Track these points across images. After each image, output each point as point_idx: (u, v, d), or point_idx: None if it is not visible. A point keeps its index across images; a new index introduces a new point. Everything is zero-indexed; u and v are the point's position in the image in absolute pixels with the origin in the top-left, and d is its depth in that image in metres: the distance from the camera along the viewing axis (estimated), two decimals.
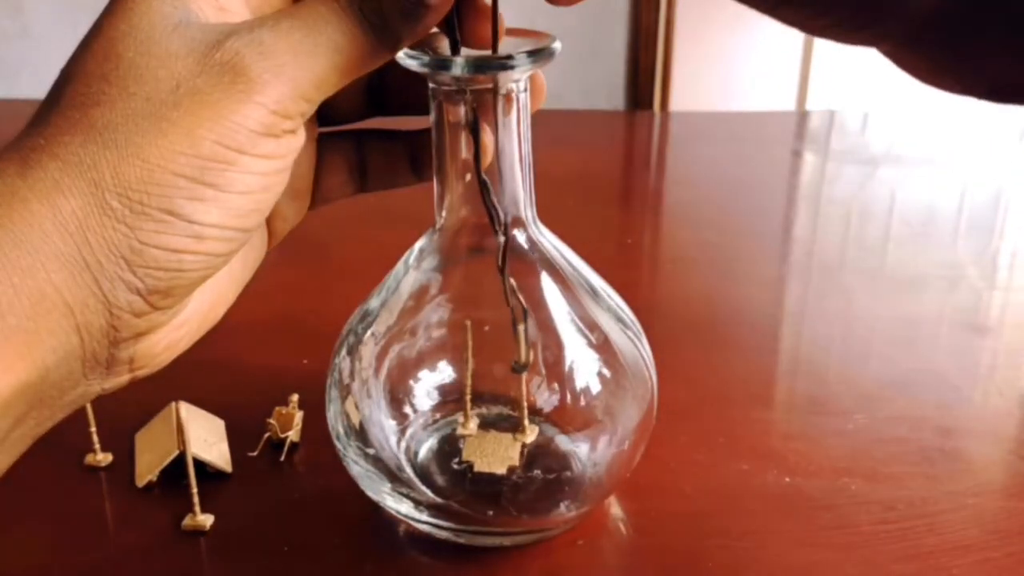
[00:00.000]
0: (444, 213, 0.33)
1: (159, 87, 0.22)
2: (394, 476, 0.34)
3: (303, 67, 0.23)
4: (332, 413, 0.35)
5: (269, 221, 0.29)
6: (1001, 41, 0.20)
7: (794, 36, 1.84)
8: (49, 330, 0.21)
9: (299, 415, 0.41)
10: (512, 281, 0.32)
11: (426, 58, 0.28)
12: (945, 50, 0.21)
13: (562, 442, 0.35)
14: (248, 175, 0.23)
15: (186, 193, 0.22)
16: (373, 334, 0.34)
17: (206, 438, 0.39)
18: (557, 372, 0.34)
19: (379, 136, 0.32)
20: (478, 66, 0.28)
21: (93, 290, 0.22)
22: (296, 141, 0.25)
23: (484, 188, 0.30)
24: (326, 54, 0.23)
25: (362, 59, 0.24)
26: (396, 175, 0.32)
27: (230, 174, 0.23)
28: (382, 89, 0.31)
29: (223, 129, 0.22)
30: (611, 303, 0.35)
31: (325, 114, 0.25)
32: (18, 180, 0.22)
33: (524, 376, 0.33)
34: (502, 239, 0.31)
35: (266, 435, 0.41)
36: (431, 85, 0.30)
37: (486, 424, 0.35)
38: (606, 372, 0.34)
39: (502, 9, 0.27)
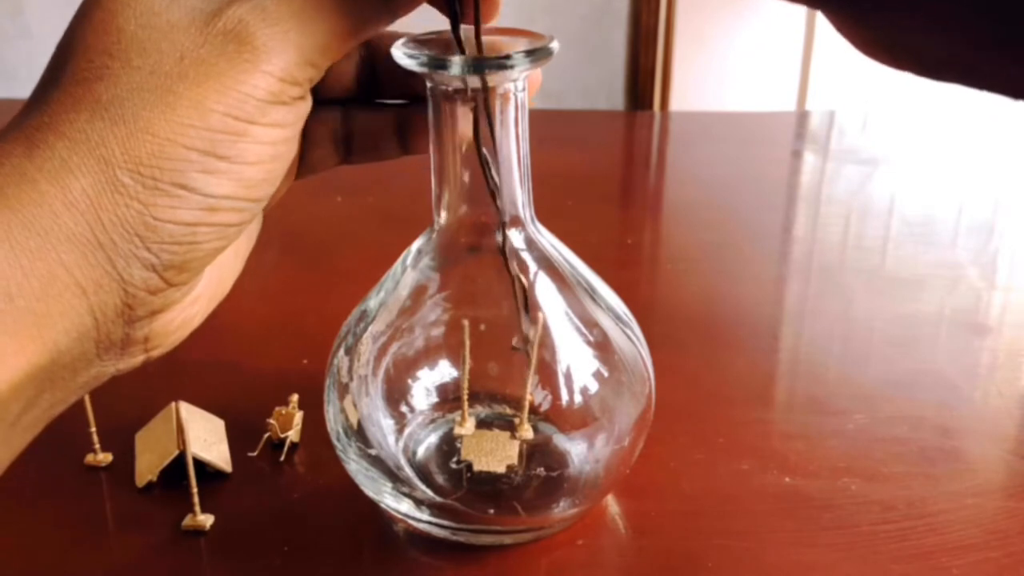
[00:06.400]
0: (442, 212, 0.33)
1: (163, 59, 0.22)
2: (393, 475, 0.34)
3: (308, 32, 0.23)
4: (331, 412, 0.35)
5: None
6: (904, 10, 0.18)
7: (794, 36, 1.84)
8: (61, 311, 0.21)
9: (299, 415, 0.41)
10: (516, 268, 0.32)
11: (424, 57, 0.28)
12: (861, 18, 0.19)
13: (560, 440, 0.35)
14: (258, 145, 0.23)
15: (198, 166, 0.22)
16: (371, 333, 0.34)
17: (206, 438, 0.39)
18: (555, 370, 0.34)
19: (366, 108, 0.31)
20: (476, 66, 0.28)
21: (107, 269, 0.22)
22: (305, 107, 0.24)
23: (484, 165, 0.30)
24: (330, 18, 0.23)
25: (365, 23, 0.24)
26: (382, 148, 0.31)
27: (241, 145, 0.23)
28: (374, 79, 0.31)
29: (231, 100, 0.22)
30: (608, 301, 0.35)
31: (314, 99, 0.25)
32: (25, 161, 0.21)
33: (526, 371, 0.33)
34: (503, 224, 0.31)
35: (266, 435, 0.41)
36: (428, 84, 0.30)
37: (484, 423, 0.35)
38: (604, 370, 0.34)
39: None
